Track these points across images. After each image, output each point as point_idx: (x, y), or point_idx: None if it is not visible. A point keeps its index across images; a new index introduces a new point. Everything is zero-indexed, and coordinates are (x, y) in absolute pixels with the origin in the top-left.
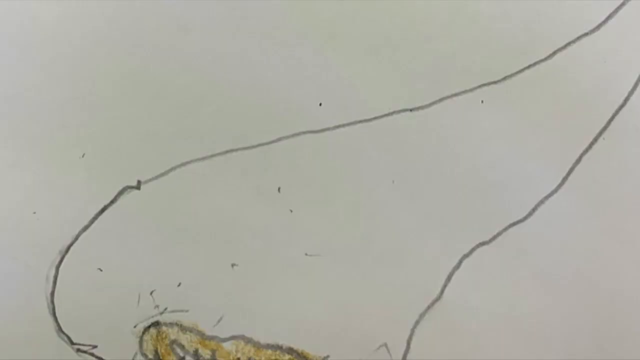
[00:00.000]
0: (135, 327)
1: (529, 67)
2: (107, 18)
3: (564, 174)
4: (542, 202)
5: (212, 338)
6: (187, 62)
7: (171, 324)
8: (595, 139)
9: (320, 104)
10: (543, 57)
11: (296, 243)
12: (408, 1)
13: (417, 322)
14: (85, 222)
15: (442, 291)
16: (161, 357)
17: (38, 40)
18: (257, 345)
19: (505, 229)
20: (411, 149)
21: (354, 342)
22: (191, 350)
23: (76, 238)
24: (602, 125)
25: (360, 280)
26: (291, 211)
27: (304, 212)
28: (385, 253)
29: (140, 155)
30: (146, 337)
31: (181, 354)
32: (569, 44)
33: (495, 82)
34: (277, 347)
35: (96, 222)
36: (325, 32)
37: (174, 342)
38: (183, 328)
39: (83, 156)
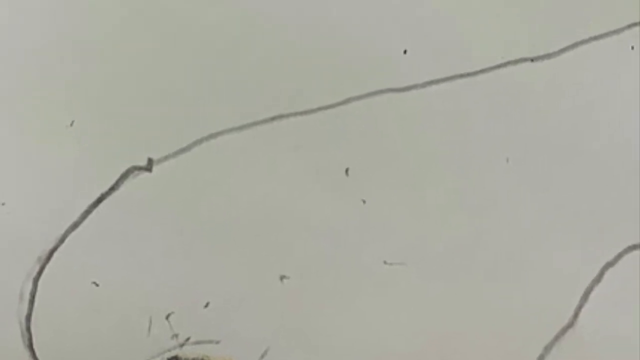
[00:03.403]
0: None
1: None
2: None
3: None
4: None
5: None
6: None
7: None
8: None
9: (405, 52)
10: None
11: (371, 247)
12: None
13: (541, 357)
14: (75, 218)
15: (576, 314)
16: None
17: None
18: None
19: None
20: (533, 114)
21: None
22: None
23: (62, 240)
24: None
25: (461, 300)
26: (364, 202)
27: (382, 204)
28: (497, 262)
29: (151, 123)
30: None
31: None
32: None
33: None
34: None
35: (90, 217)
36: None
37: None
38: None
39: (72, 124)
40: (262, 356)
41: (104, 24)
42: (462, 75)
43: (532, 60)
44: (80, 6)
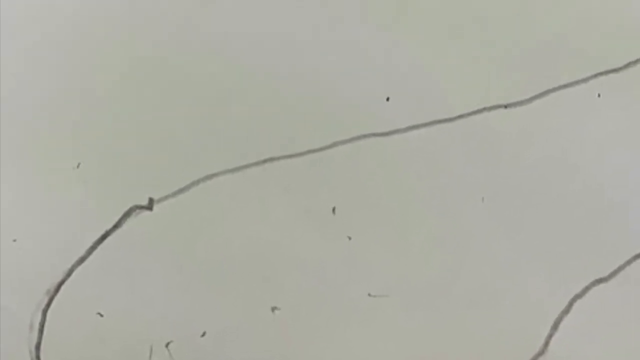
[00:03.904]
0: None
1: None
2: None
3: None
4: None
5: None
6: (212, 45)
7: None
8: None
9: (388, 99)
10: None
11: (356, 280)
12: None
13: None
14: (81, 253)
15: (546, 343)
16: None
17: (20, 16)
18: None
19: (629, 262)
20: (506, 157)
21: None
22: None
23: (69, 274)
24: None
25: (440, 328)
26: (350, 238)
27: (367, 240)
28: (472, 294)
29: (152, 166)
30: None
31: None
32: None
33: (615, 70)
34: None
35: (95, 252)
36: (394, 4)
37: None
38: None
39: (78, 166)
40: None
41: (108, 75)
42: (440, 121)
43: (505, 107)
44: (86, 59)
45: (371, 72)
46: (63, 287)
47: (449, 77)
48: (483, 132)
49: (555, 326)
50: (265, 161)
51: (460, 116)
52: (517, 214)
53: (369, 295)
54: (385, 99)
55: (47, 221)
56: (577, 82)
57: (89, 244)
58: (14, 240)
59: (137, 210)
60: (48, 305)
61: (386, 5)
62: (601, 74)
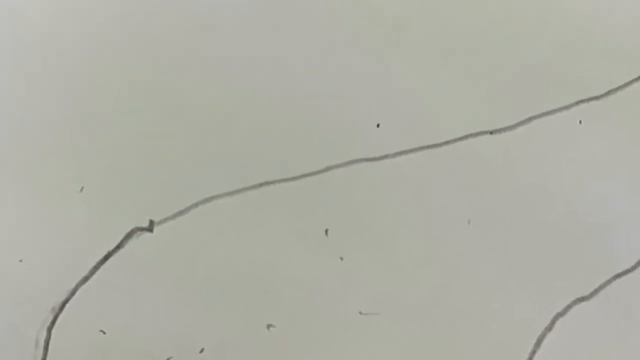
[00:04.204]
0: None
1: (638, 78)
2: (110, 15)
3: None
4: None
5: None
6: (211, 70)
7: None
8: None
9: (378, 125)
10: None
11: (348, 299)
12: None
13: None
14: (85, 273)
15: (530, 359)
16: None
17: (25, 43)
18: None
19: (609, 282)
20: (491, 181)
21: None
22: None
23: (73, 292)
24: None
25: (428, 346)
26: (342, 259)
27: (358, 260)
28: (460, 312)
29: (153, 189)
30: None
31: None
32: None
33: (596, 98)
34: None
35: (98, 272)
36: (385, 32)
37: None
38: None
39: (81, 190)
40: None
41: (110, 101)
42: (428, 147)
43: (490, 133)
44: (89, 85)
45: (362, 100)
46: (67, 306)
47: (436, 104)
48: (469, 157)
49: (538, 343)
50: (261, 184)
51: (447, 142)
52: (502, 235)
53: (360, 313)
54: (375, 126)
55: (52, 242)
56: (559, 109)
57: (92, 264)
58: (20, 260)
59: (138, 232)
60: (53, 322)
61: (377, 35)
62: (583, 101)
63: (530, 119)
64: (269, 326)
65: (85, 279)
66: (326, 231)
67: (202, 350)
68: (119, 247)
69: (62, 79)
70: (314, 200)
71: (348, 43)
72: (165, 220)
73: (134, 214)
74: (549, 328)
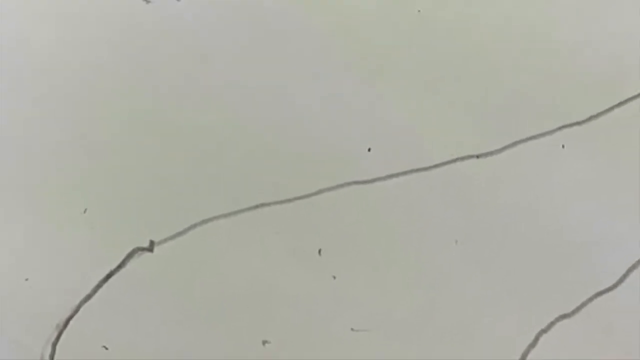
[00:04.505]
0: None
1: (619, 105)
2: (112, 45)
3: None
4: (634, 266)
5: None
6: (207, 99)
7: None
8: None
9: (369, 149)
10: (636, 92)
11: (340, 316)
12: (474, 26)
13: None
14: (88, 291)
15: None
16: None
17: (30, 69)
18: None
19: (591, 299)
20: (478, 203)
21: None
22: None
23: (77, 310)
24: None
25: None
26: (334, 277)
27: (350, 279)
28: (447, 329)
29: (153, 211)
30: None
31: None
32: None
33: (578, 123)
34: None
35: (100, 290)
36: (376, 61)
37: None
38: None
39: (85, 212)
40: None
41: (112, 127)
42: (417, 170)
43: (477, 157)
44: (92, 111)
45: (354, 126)
46: (71, 322)
47: (425, 129)
48: (456, 180)
49: (522, 358)
50: (257, 206)
51: (436, 165)
52: (488, 255)
53: (352, 329)
54: (367, 150)
55: (57, 261)
56: (543, 134)
57: (95, 282)
58: (26, 279)
59: (139, 252)
60: (57, 338)
61: (368, 63)
62: (565, 126)
63: (515, 143)
64: (264, 342)
65: (89, 297)
66: (319, 251)
67: None
68: (120, 266)
69: (66, 105)
70: (307, 222)
71: (340, 71)
72: (165, 240)
73: (135, 234)
74: (533, 344)
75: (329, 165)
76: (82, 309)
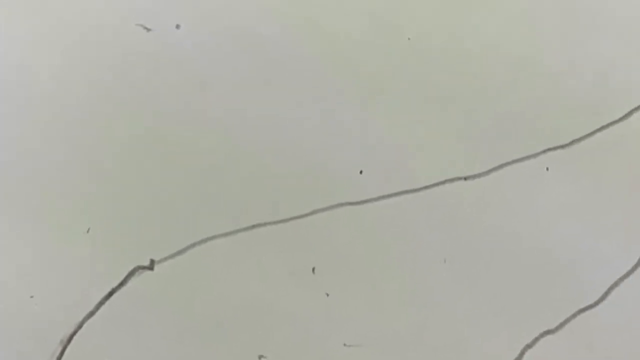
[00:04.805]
0: None
1: (601, 129)
2: (114, 71)
3: None
4: (615, 284)
5: None
6: (206, 123)
7: None
8: None
9: (361, 172)
10: (618, 117)
11: (333, 331)
12: (462, 53)
13: None
14: (91, 308)
15: None
16: None
17: (35, 96)
18: None
19: (574, 316)
20: (465, 223)
21: None
22: None
23: (80, 326)
24: None
25: None
26: (328, 295)
27: (343, 296)
28: (436, 343)
29: (154, 230)
30: None
31: None
32: None
33: (562, 147)
34: None
35: (103, 307)
36: (367, 87)
37: None
38: None
39: (88, 231)
40: None
41: (115, 150)
42: (407, 192)
43: (465, 179)
44: (95, 135)
45: (346, 148)
46: (75, 338)
47: (415, 152)
48: (445, 201)
49: None
50: (253, 226)
51: (425, 187)
52: (475, 273)
53: (345, 345)
54: (359, 172)
55: (61, 279)
56: (528, 157)
57: (98, 299)
58: (31, 296)
59: (140, 270)
60: (61, 354)
61: (361, 89)
62: (549, 149)
63: (501, 166)
64: (260, 357)
65: (91, 313)
66: (313, 269)
67: None
68: (122, 284)
69: (71, 130)
70: (302, 241)
71: (334, 97)
72: (165, 259)
73: (136, 253)
74: (519, 359)
75: (323, 186)
76: (85, 325)
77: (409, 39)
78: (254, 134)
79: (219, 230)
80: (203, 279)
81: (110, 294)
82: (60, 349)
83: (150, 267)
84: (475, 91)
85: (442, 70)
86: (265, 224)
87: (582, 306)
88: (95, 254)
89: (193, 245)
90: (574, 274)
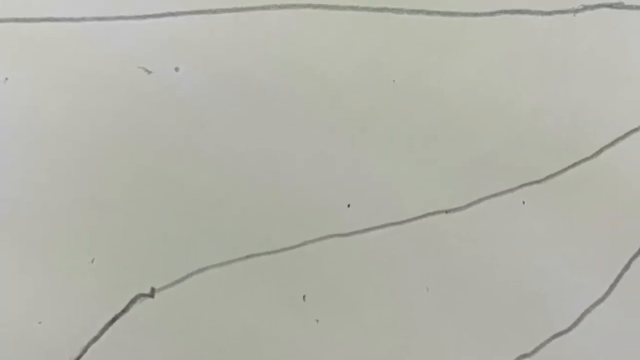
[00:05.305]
0: None
1: (573, 165)
2: (116, 112)
3: (611, 281)
4: (587, 311)
5: None
6: (203, 160)
7: None
8: None
9: (349, 205)
10: (589, 154)
11: (323, 356)
12: (444, 94)
13: None
14: (95, 333)
15: None
16: None
17: (42, 135)
18: None
19: (548, 341)
20: (447, 254)
21: None
22: None
23: (85, 350)
24: None
25: None
26: (317, 321)
27: (332, 323)
28: None
29: (154, 261)
30: None
31: None
32: (617, 140)
33: (537, 182)
34: None
35: (106, 332)
36: (355, 126)
37: None
38: None
39: (92, 261)
40: None
41: (118, 185)
42: (392, 224)
43: (446, 212)
44: (99, 171)
45: (335, 183)
46: None
47: (399, 187)
48: (427, 233)
49: None
50: (247, 257)
51: (409, 220)
52: (456, 301)
53: None
54: (347, 205)
55: (67, 306)
56: (505, 192)
57: (102, 325)
58: (39, 322)
59: (142, 298)
60: None
61: (349, 128)
62: (525, 184)
63: (480, 200)
64: None
65: (95, 338)
66: (304, 297)
67: None
68: (124, 310)
69: (76, 167)
70: (293, 270)
71: (324, 135)
72: (165, 287)
73: (137, 282)
74: None
75: (313, 219)
76: (89, 350)
77: (394, 81)
78: (249, 170)
79: (215, 260)
80: (200, 305)
81: (114, 319)
82: None
83: (151, 294)
84: (456, 130)
85: (425, 110)
86: (258, 255)
87: (556, 331)
88: (99, 283)
89: (191, 274)
90: (548, 301)
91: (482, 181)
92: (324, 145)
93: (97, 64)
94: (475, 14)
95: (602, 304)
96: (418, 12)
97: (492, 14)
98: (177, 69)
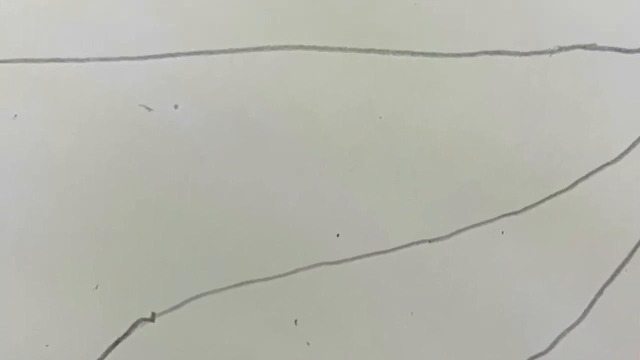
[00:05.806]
0: None
1: (549, 197)
2: (119, 147)
3: (585, 307)
4: (563, 334)
5: None
6: (201, 192)
7: None
8: (618, 271)
9: (338, 235)
10: (564, 187)
11: None
12: (428, 130)
13: None
14: (99, 355)
15: None
16: None
17: (49, 169)
18: None
19: None
20: (430, 280)
21: None
22: None
23: None
24: (625, 256)
25: None
26: (308, 344)
27: (322, 345)
28: None
29: (155, 287)
30: None
31: None
32: (590, 173)
33: (515, 213)
34: None
35: (109, 355)
36: (344, 160)
37: None
38: None
39: (96, 288)
40: None
41: (120, 216)
42: (379, 252)
43: (430, 241)
44: (103, 203)
45: (325, 214)
46: None
47: (385, 218)
48: (412, 261)
49: None
50: (242, 283)
51: (394, 248)
52: (440, 325)
53: None
54: (336, 235)
55: (72, 330)
56: (485, 222)
57: (105, 348)
58: (47, 345)
59: (143, 322)
60: None
61: (338, 162)
62: (504, 215)
63: (462, 230)
64: None
65: None
66: (295, 321)
67: None
68: (127, 334)
69: (81, 199)
70: (285, 296)
71: (314, 169)
72: (165, 312)
73: (139, 307)
74: None
75: (304, 248)
76: None
77: (380, 117)
78: (244, 202)
79: (212, 287)
80: (198, 329)
81: (116, 342)
82: None
83: (152, 319)
84: (439, 164)
85: (410, 145)
86: (252, 281)
87: (533, 354)
88: (103, 308)
89: (189, 299)
90: (526, 325)
91: (463, 212)
92: (315, 178)
93: (101, 102)
94: (457, 55)
95: (576, 328)
96: (403, 53)
97: (472, 54)
98: (176, 107)
